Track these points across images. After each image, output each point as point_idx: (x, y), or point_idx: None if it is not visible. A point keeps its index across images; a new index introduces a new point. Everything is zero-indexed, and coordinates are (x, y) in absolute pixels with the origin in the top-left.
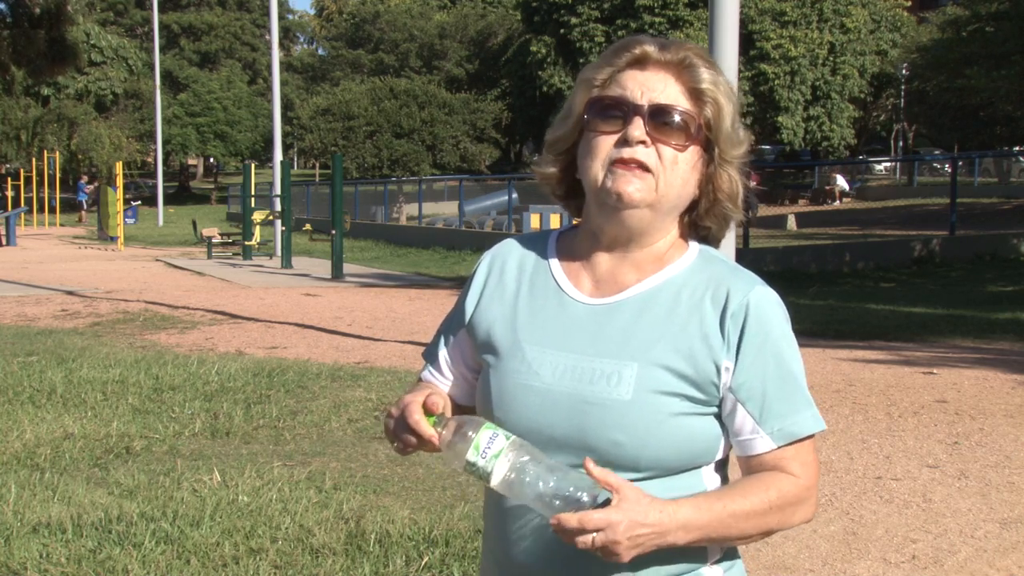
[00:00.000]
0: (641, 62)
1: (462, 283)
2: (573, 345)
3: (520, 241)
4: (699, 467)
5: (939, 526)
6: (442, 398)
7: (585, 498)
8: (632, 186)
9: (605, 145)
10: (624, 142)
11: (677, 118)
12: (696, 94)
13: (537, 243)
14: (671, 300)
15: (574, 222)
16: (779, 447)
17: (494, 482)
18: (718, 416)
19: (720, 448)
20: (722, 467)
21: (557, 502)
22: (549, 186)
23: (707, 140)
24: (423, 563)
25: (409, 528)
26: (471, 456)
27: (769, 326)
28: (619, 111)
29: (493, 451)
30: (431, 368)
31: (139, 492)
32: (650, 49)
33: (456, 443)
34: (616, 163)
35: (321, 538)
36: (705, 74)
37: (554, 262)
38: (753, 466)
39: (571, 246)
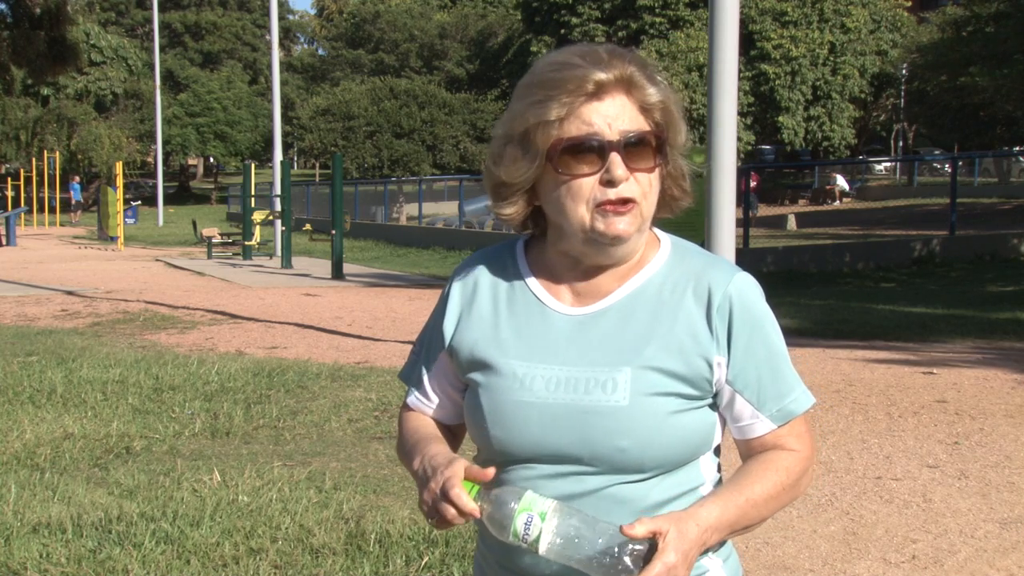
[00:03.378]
0: (597, 92)
1: None
2: (562, 357)
3: (486, 257)
4: (697, 458)
5: (939, 526)
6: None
7: (629, 563)
8: (623, 223)
9: (586, 187)
10: (609, 183)
11: (646, 143)
12: (647, 108)
13: (504, 257)
14: (654, 300)
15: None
16: (778, 427)
17: (541, 550)
18: (711, 405)
19: (716, 435)
20: (716, 453)
21: (603, 562)
22: (512, 222)
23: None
24: (423, 563)
25: (409, 528)
26: (516, 527)
27: (754, 312)
28: (593, 151)
29: (536, 521)
30: (416, 393)
31: (139, 492)
32: (601, 77)
33: (498, 515)
34: (604, 204)
35: (321, 538)
36: (651, 89)
37: (529, 276)
38: (753, 447)
39: (543, 259)
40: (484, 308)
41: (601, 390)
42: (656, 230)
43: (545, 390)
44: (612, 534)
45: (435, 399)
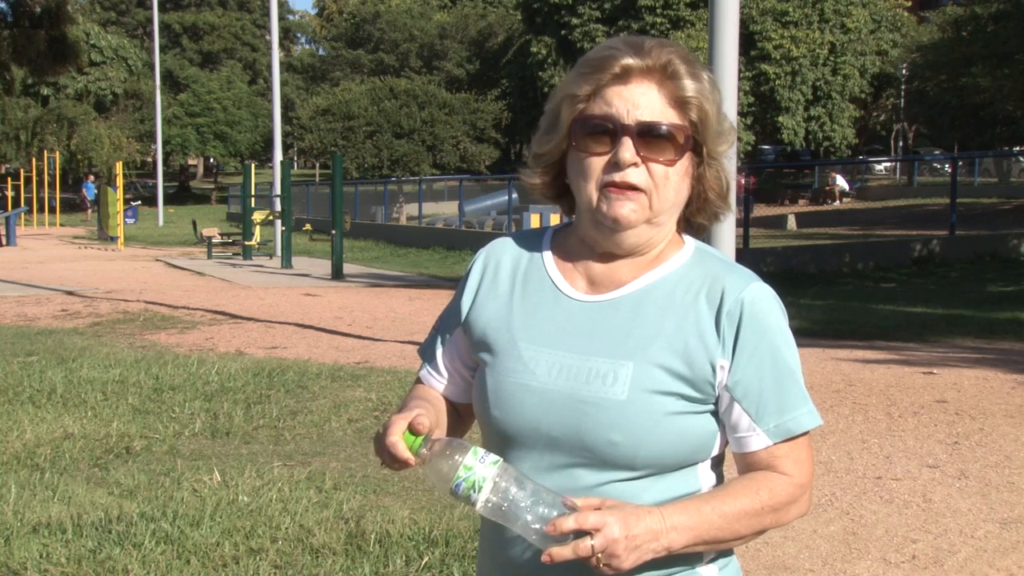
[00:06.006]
0: (623, 76)
1: None
2: (569, 344)
3: (515, 239)
4: (694, 464)
5: (939, 526)
6: (431, 418)
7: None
8: (626, 208)
9: (596, 167)
10: (615, 166)
11: (665, 135)
12: (681, 102)
13: (532, 241)
14: (666, 298)
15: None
16: (774, 444)
17: (478, 507)
18: (714, 413)
19: (716, 445)
20: (718, 464)
21: (540, 527)
22: (538, 192)
23: (695, 142)
24: (423, 563)
25: (409, 528)
26: (456, 480)
27: (765, 323)
28: (607, 131)
29: (479, 476)
30: (428, 367)
31: (139, 492)
32: (630, 62)
33: (440, 466)
34: (609, 187)
35: (321, 538)
36: (689, 83)
37: (549, 260)
38: (748, 462)
39: (565, 245)
40: (503, 288)
41: (601, 382)
42: (684, 234)
43: (547, 375)
44: (548, 503)
45: (445, 375)
